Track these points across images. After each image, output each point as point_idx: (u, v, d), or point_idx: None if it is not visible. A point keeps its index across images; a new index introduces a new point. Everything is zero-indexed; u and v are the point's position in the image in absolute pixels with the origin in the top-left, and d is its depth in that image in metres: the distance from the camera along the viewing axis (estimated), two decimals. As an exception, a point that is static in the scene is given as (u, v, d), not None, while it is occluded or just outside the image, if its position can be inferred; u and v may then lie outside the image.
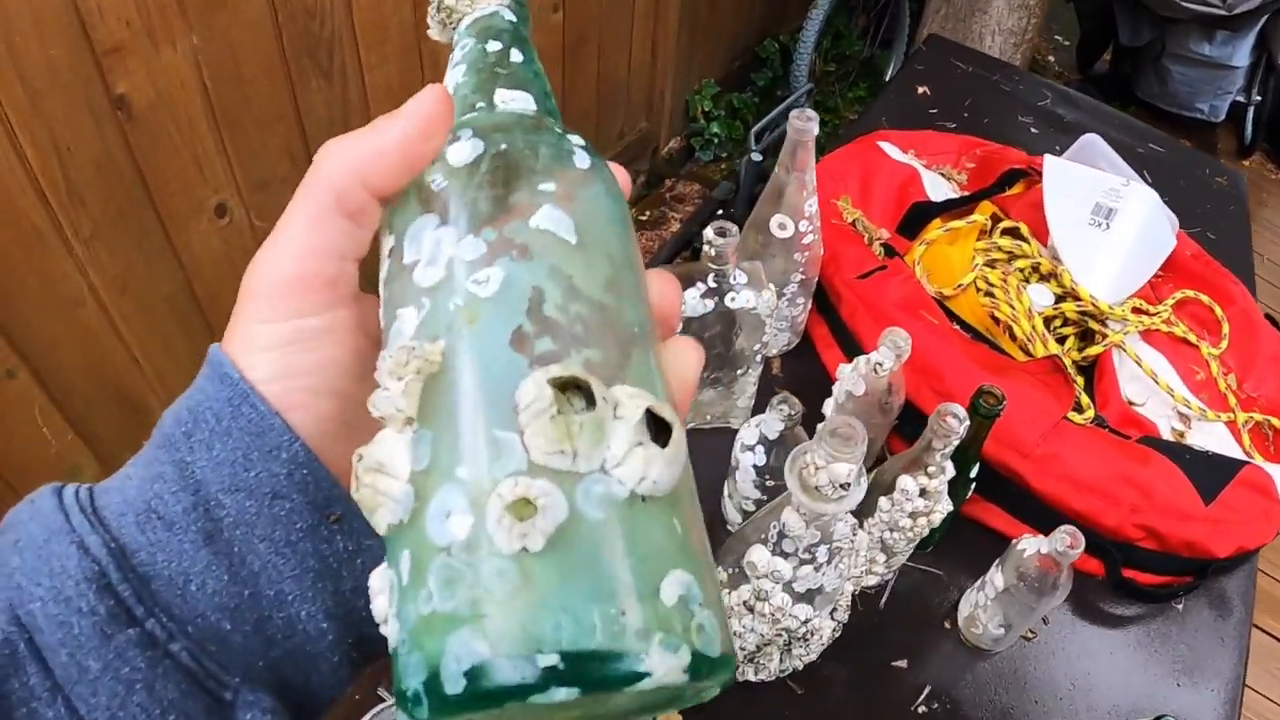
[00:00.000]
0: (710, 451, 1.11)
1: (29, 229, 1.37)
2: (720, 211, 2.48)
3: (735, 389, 1.10)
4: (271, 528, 0.32)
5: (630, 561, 0.26)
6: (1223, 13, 3.11)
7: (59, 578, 0.30)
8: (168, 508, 0.31)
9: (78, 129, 1.36)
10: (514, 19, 0.42)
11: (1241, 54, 3.32)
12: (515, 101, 0.38)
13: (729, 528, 1.09)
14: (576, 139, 0.35)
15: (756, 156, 2.26)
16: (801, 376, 1.27)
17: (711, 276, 0.97)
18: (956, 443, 0.86)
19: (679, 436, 0.29)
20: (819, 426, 0.66)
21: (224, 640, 0.32)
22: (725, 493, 1.07)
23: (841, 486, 0.66)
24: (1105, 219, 1.36)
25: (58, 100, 1.32)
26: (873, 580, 1.05)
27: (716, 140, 3.19)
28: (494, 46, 0.40)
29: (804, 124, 1.01)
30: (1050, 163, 1.42)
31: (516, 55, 0.40)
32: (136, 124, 1.43)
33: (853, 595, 1.02)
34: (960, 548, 1.11)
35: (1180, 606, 1.14)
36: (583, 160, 0.34)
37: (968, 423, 0.86)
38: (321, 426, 0.33)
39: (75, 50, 1.32)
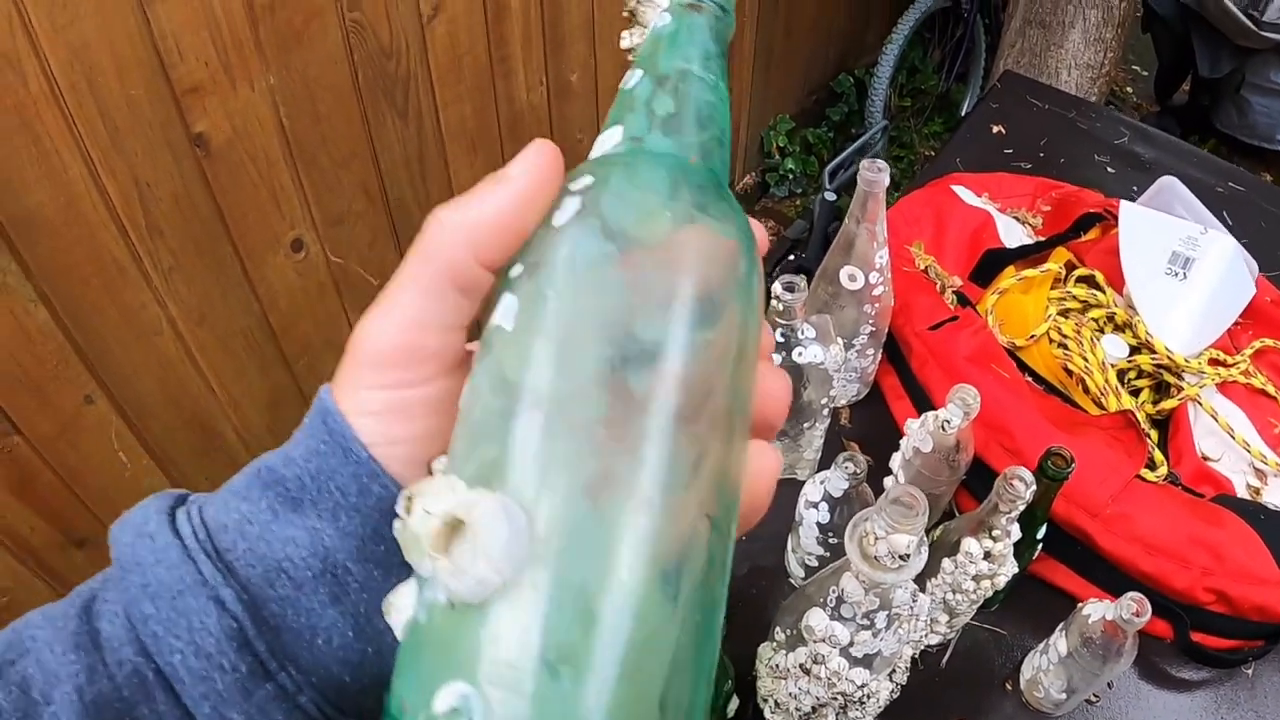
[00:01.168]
0: (776, 503, 1.10)
1: (110, 261, 1.41)
2: (793, 252, 2.47)
3: (802, 441, 1.10)
4: None
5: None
6: (1305, 42, 3.05)
7: (199, 634, 0.31)
8: (298, 570, 0.32)
9: (157, 165, 1.40)
10: (704, 33, 0.38)
11: (1326, 85, 3.24)
12: (668, 139, 0.35)
13: (792, 581, 1.08)
14: (711, 195, 0.33)
15: (830, 195, 2.25)
16: (870, 427, 1.26)
17: (779, 331, 0.97)
18: (1023, 507, 0.85)
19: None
20: (882, 494, 0.65)
21: (342, 690, 0.33)
22: (789, 546, 1.06)
23: (901, 557, 0.65)
24: (1183, 268, 1.33)
25: (138, 138, 1.36)
26: (934, 639, 1.03)
27: (791, 176, 3.18)
28: (668, 65, 0.37)
29: (874, 175, 1.00)
30: (1127, 210, 1.39)
31: (696, 78, 0.37)
32: (215, 161, 1.47)
33: (913, 655, 1.00)
34: (1025, 607, 1.09)
35: (1250, 671, 1.10)
36: (709, 224, 0.32)
37: (1034, 487, 0.84)
38: None
39: (155, 90, 1.35)
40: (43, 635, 0.33)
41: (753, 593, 1.10)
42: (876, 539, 0.65)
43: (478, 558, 0.25)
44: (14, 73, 1.20)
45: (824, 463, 1.15)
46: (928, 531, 1.11)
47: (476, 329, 0.35)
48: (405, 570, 0.32)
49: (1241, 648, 1.09)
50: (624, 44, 0.39)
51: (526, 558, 0.25)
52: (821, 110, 3.41)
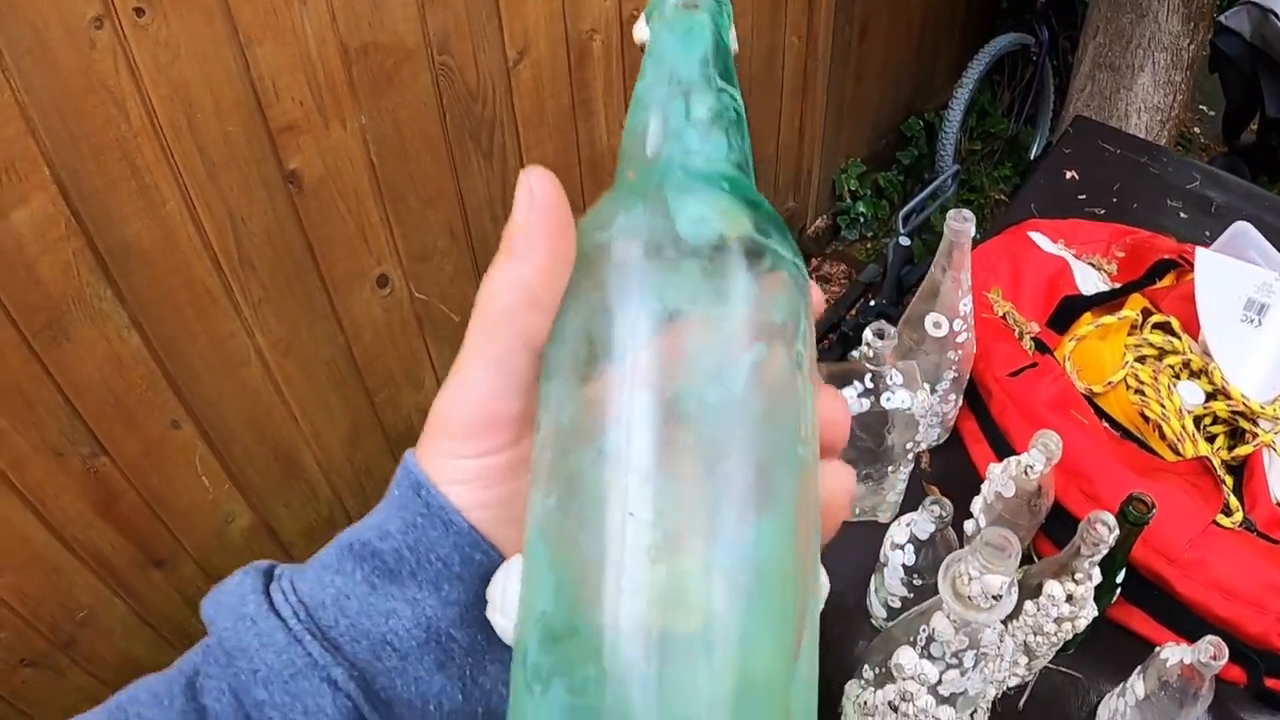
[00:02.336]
0: (858, 545, 1.13)
1: (202, 291, 1.46)
2: (866, 297, 2.48)
3: (885, 485, 1.12)
4: (501, 651, 0.34)
5: None
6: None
7: (315, 716, 0.32)
8: (403, 642, 0.32)
9: (251, 200, 1.45)
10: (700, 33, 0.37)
11: (1392, 125, 3.20)
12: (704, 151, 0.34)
13: (874, 622, 1.10)
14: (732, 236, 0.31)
15: (904, 240, 2.26)
16: (949, 471, 1.28)
17: (869, 377, 0.99)
18: (1105, 551, 0.86)
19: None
20: (974, 534, 0.67)
21: None
22: (871, 587, 1.08)
23: (994, 597, 0.67)
24: (1258, 315, 1.33)
25: (234, 174, 1.41)
26: (1014, 681, 1.04)
27: (863, 219, 3.20)
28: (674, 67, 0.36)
29: (960, 225, 1.03)
30: (1202, 256, 1.40)
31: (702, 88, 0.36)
32: (306, 197, 1.51)
33: (1001, 688, 1.02)
34: (1102, 651, 1.09)
35: None
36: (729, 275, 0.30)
37: (1117, 531, 0.85)
38: (511, 553, 0.34)
39: (251, 128, 1.41)
40: (149, 715, 0.33)
41: (836, 632, 1.11)
42: (970, 579, 0.67)
43: None
44: (116, 108, 1.25)
45: (906, 506, 1.17)
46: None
47: None
48: None
49: None
50: (637, 36, 0.39)
51: None
52: (892, 154, 3.43)
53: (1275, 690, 1.08)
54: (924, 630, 0.76)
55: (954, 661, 0.76)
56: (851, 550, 1.14)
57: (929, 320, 1.09)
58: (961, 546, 1.14)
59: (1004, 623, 0.95)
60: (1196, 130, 4.02)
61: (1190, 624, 1.07)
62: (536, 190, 0.32)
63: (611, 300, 0.30)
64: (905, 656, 0.77)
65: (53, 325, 1.30)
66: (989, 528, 0.67)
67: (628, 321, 0.29)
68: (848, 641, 1.10)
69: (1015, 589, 0.69)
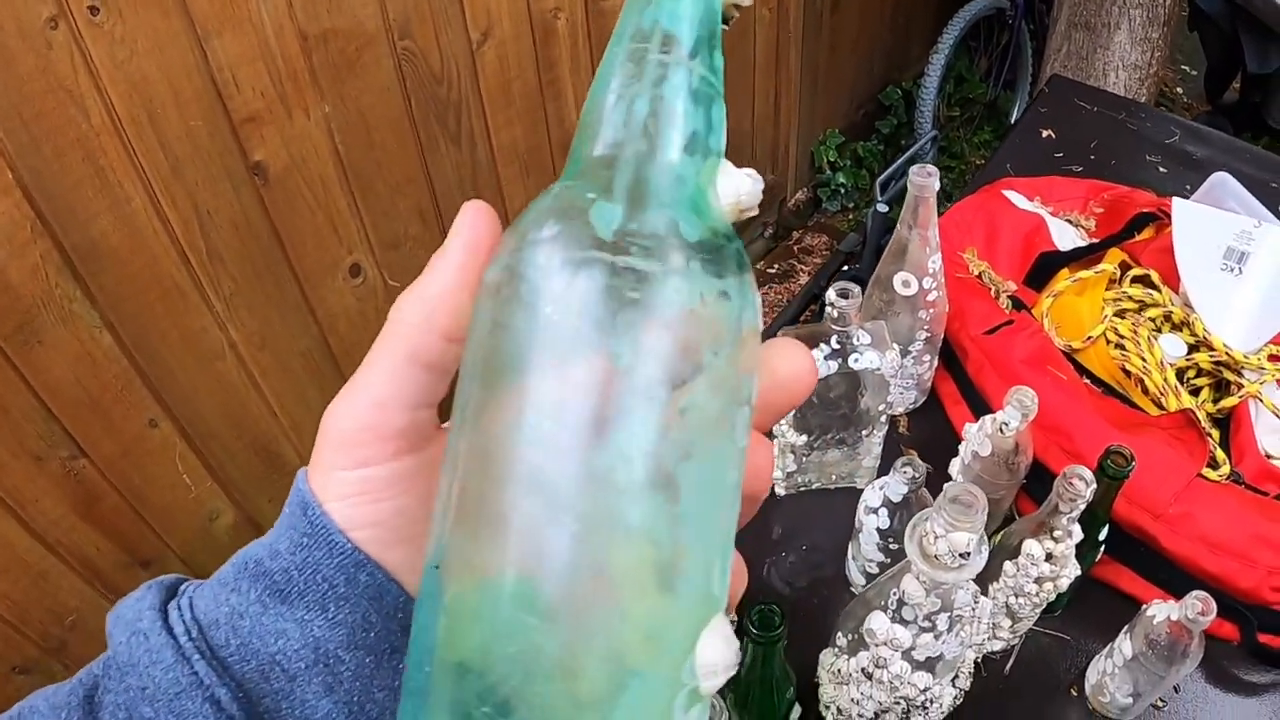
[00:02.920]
0: (835, 511, 1.11)
1: (171, 287, 1.45)
2: (847, 265, 2.47)
3: (860, 449, 1.10)
4: (391, 678, 0.34)
5: None
6: (1355, 33, 2.99)
7: None
8: (291, 664, 0.32)
9: (217, 194, 1.44)
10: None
11: (1376, 76, 3.18)
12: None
13: (852, 590, 1.09)
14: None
15: (882, 208, 2.25)
16: (928, 434, 1.26)
17: (835, 338, 0.98)
18: (1083, 506, 0.85)
19: None
20: (941, 493, 0.66)
21: None
22: (849, 554, 1.07)
23: (961, 555, 0.66)
24: (1238, 263, 1.31)
25: (198, 168, 1.40)
26: (998, 645, 1.03)
27: (843, 190, 3.18)
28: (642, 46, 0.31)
29: (924, 180, 1.01)
30: (1179, 206, 1.38)
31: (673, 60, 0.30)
32: (272, 188, 1.50)
33: (976, 661, 1.00)
34: (1089, 611, 1.08)
35: None
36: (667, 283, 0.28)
37: (1094, 485, 0.84)
38: (409, 572, 0.34)
39: (213, 121, 1.39)
40: None
41: (814, 603, 1.10)
42: (936, 538, 0.65)
43: None
44: (76, 107, 1.24)
45: (883, 469, 1.15)
46: (989, 536, 1.11)
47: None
48: (394, 655, 0.33)
49: None
50: None
51: None
52: (870, 123, 3.41)
53: (1269, 645, 1.06)
54: (895, 594, 0.74)
55: (927, 625, 0.74)
56: (829, 517, 1.13)
57: (897, 279, 1.07)
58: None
59: (984, 585, 0.94)
60: (1179, 90, 3.99)
61: (1179, 580, 1.05)
62: (468, 222, 0.32)
63: (513, 334, 0.28)
64: (877, 621, 0.75)
65: (24, 329, 1.30)
66: (953, 483, 0.65)
67: (529, 357, 0.27)
68: (827, 612, 1.08)
69: (985, 546, 0.68)
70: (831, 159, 3.14)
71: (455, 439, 0.29)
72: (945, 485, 1.08)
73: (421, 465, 0.34)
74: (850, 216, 3.22)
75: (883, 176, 2.26)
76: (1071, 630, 1.08)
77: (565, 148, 1.99)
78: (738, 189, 0.31)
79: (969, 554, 0.66)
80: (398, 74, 1.59)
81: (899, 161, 2.28)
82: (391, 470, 0.33)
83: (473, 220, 0.32)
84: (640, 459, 0.26)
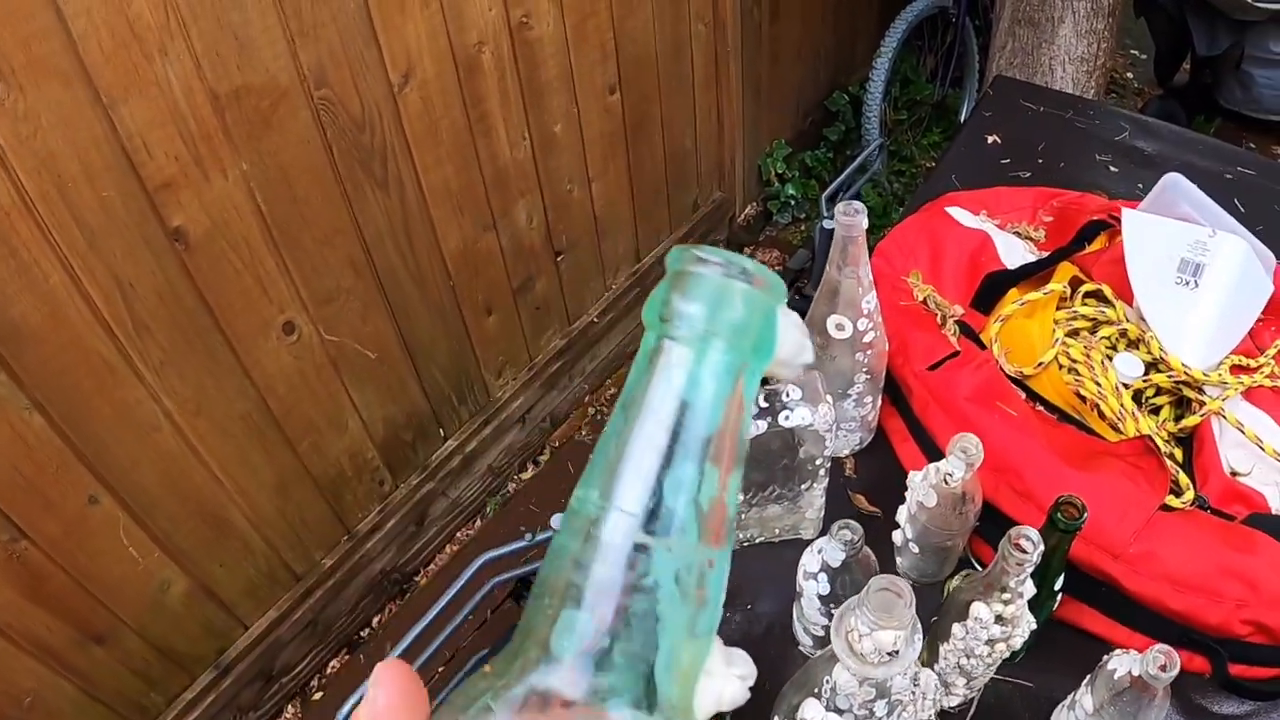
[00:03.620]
0: (781, 566, 1.05)
1: (99, 362, 1.41)
2: (798, 282, 2.43)
3: (802, 502, 1.05)
4: None
5: None
6: (1301, 7, 2.98)
7: None
8: None
9: (137, 264, 1.40)
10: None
11: (1325, 50, 3.17)
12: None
13: (800, 648, 1.04)
14: None
15: (829, 223, 2.20)
16: (877, 475, 1.21)
17: (762, 396, 0.93)
18: (1031, 568, 0.80)
19: None
20: (902, 545, 0.61)
21: None
22: (794, 614, 1.02)
23: (889, 654, 0.61)
24: (1193, 276, 1.27)
25: (115, 239, 1.36)
26: (955, 701, 0.98)
27: (794, 202, 3.14)
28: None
29: (851, 219, 0.95)
30: (1129, 218, 1.33)
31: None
32: (195, 253, 1.46)
33: (933, 716, 0.95)
34: (1053, 655, 1.03)
35: None
36: None
37: (1041, 548, 0.79)
38: None
39: (127, 190, 1.35)
40: None
41: (763, 665, 1.04)
42: (861, 636, 0.61)
43: None
44: (-18, 189, 1.20)
45: (830, 517, 1.11)
46: (941, 584, 1.06)
47: None
48: None
49: None
50: None
51: None
52: (818, 131, 3.37)
53: (1242, 678, 1.02)
54: (827, 681, 0.69)
55: (863, 713, 0.70)
56: (775, 573, 1.08)
57: (830, 323, 1.02)
58: (892, 560, 1.08)
59: (933, 646, 0.89)
60: (1130, 75, 3.97)
61: (1143, 618, 1.02)
62: (381, 693, 0.30)
63: None
64: (811, 711, 0.71)
65: (-48, 418, 1.27)
66: (877, 577, 0.61)
67: None
68: (777, 671, 1.03)
69: (918, 635, 0.63)
70: (779, 171, 3.09)
71: None
72: (896, 542, 1.05)
73: None
74: (802, 228, 3.18)
75: (829, 190, 2.22)
76: (1035, 677, 1.03)
77: (500, 183, 1.97)
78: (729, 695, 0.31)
79: (897, 650, 0.61)
80: (317, 125, 1.55)
81: (845, 173, 2.25)
82: None
83: (387, 687, 0.31)
84: None
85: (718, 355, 0.29)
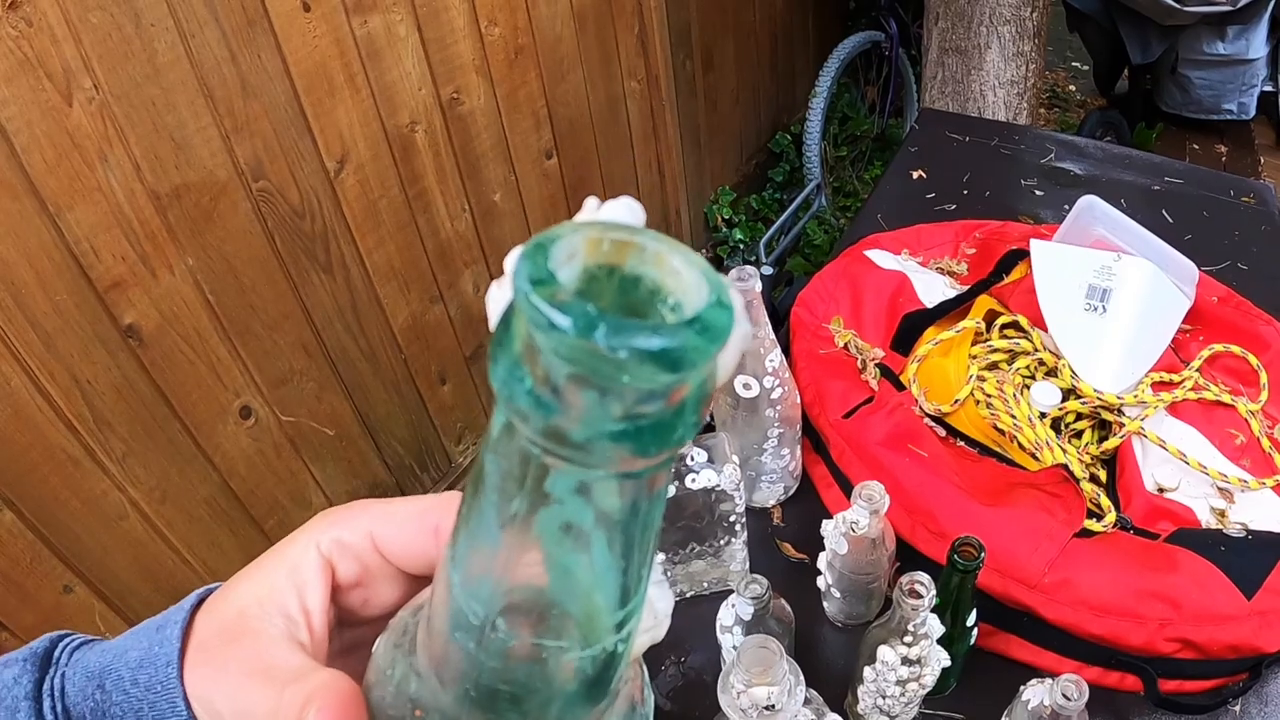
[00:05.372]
0: (712, 617, 1.09)
1: (64, 458, 1.44)
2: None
3: (724, 555, 1.09)
4: None
5: None
6: (1228, 8, 3.03)
7: None
8: None
9: (93, 362, 1.44)
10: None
11: (1257, 45, 3.22)
12: None
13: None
14: None
15: (767, 270, 2.25)
16: (804, 521, 1.24)
17: (668, 460, 0.97)
18: (927, 613, 0.85)
19: None
20: (825, 591, 0.65)
21: None
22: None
23: (766, 708, 0.66)
24: (1101, 301, 1.30)
25: (71, 340, 1.40)
26: (883, 738, 1.02)
27: (743, 245, 3.18)
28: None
29: (745, 284, 0.99)
30: (1037, 249, 1.37)
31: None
32: (149, 347, 1.50)
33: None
34: (982, 684, 1.05)
35: (1237, 708, 1.05)
36: None
37: (933, 593, 0.84)
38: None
39: (78, 292, 1.39)
40: None
41: (696, 716, 1.07)
42: (739, 693, 0.66)
43: None
44: (-65, 301, 1.24)
45: (757, 565, 1.15)
46: (867, 624, 1.10)
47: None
48: None
49: (1222, 686, 1.05)
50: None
51: None
52: (763, 173, 3.42)
53: (1175, 693, 1.04)
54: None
55: (770, 766, 0.74)
56: (708, 621, 1.10)
57: (738, 383, 1.07)
58: (820, 603, 1.12)
59: (851, 687, 0.93)
60: (1072, 88, 4.04)
61: (1070, 643, 1.04)
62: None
63: None
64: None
65: (-77, 521, 1.28)
66: (748, 637, 0.65)
67: None
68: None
69: (800, 688, 0.68)
70: (726, 216, 3.14)
71: None
72: (820, 588, 1.09)
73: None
74: (751, 273, 3.21)
75: (766, 237, 2.26)
76: (965, 707, 1.06)
77: (443, 255, 2.02)
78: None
79: (774, 705, 0.65)
80: (258, 216, 1.60)
81: (782, 219, 2.29)
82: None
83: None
84: None
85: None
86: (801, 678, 0.68)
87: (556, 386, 0.20)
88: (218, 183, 1.52)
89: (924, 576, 0.84)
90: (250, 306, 1.63)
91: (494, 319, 0.23)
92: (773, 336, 1.07)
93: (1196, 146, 3.51)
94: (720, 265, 3.24)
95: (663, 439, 0.21)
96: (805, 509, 1.25)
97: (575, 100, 2.30)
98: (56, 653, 0.38)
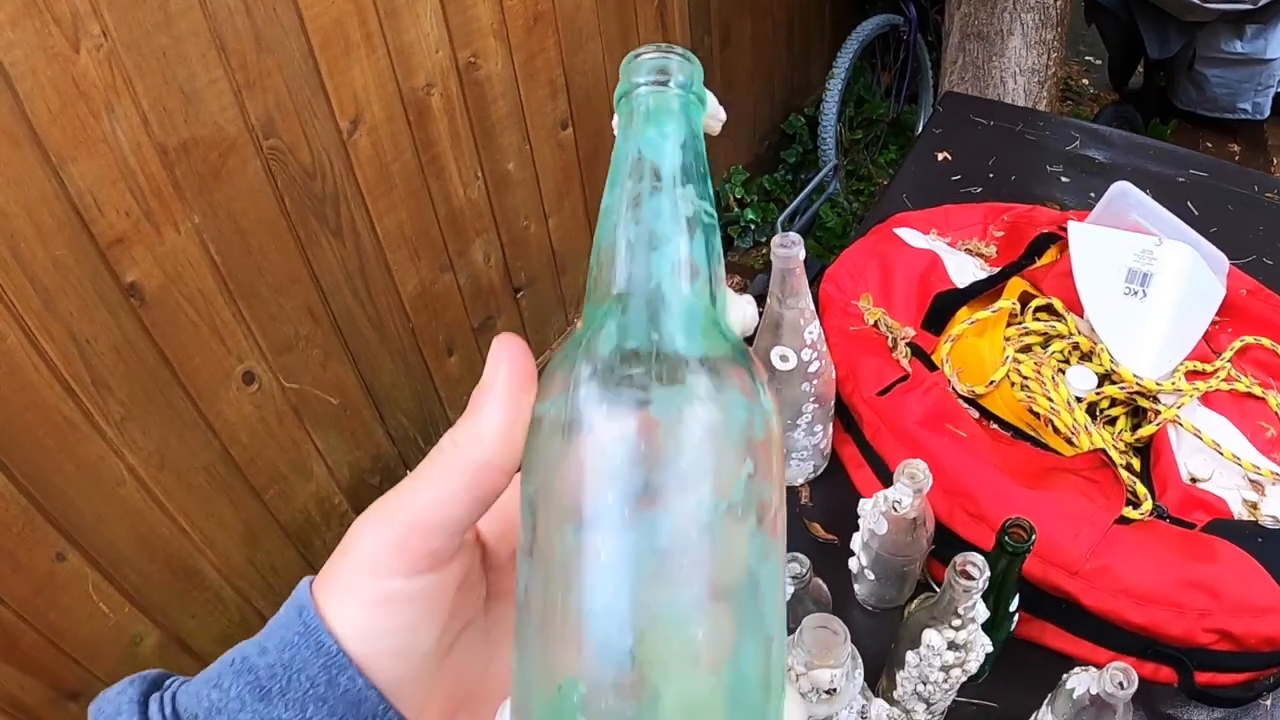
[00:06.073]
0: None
1: (60, 420, 1.40)
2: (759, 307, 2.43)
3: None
4: None
5: None
6: (1248, 6, 3.00)
7: None
8: None
9: (93, 321, 1.39)
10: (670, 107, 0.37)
11: (1275, 45, 3.18)
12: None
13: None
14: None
15: (783, 249, 2.21)
16: (832, 502, 1.21)
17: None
18: (979, 594, 0.81)
19: None
20: (858, 573, 0.61)
21: None
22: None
23: (826, 691, 0.61)
24: (1141, 285, 1.27)
25: (70, 297, 1.35)
26: (918, 726, 0.98)
27: (754, 226, 3.15)
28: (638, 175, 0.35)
29: (788, 251, 0.95)
30: (1075, 230, 1.34)
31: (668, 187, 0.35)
32: (150, 308, 1.45)
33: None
34: (1015, 673, 1.03)
35: (1269, 703, 1.04)
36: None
37: (987, 573, 0.80)
38: (397, 685, 0.34)
39: (79, 247, 1.35)
40: None
41: None
42: (798, 675, 0.61)
43: None
44: (-65, 253, 1.20)
45: (787, 546, 1.11)
46: (901, 608, 1.07)
47: None
48: None
49: (1255, 680, 1.03)
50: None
51: None
52: (776, 155, 3.38)
53: (1210, 685, 1.02)
54: None
55: (817, 751, 0.70)
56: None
57: (774, 355, 1.02)
58: (851, 585, 1.08)
59: (890, 673, 0.89)
60: (1085, 81, 4.01)
61: (1107, 633, 1.02)
62: (504, 358, 0.35)
63: (568, 471, 0.30)
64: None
65: (-85, 484, 1.25)
66: (811, 615, 0.61)
67: (584, 496, 0.29)
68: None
69: (858, 670, 0.64)
70: (738, 196, 3.11)
71: (527, 572, 0.30)
72: (852, 569, 1.05)
73: (436, 583, 0.34)
74: (763, 252, 3.19)
75: (784, 215, 2.22)
76: (999, 696, 1.03)
77: (455, 223, 1.97)
78: (744, 314, 0.34)
79: (835, 689, 0.61)
80: (267, 174, 1.55)
81: (800, 197, 2.25)
82: (408, 586, 0.34)
83: (510, 355, 0.35)
84: (695, 583, 0.28)
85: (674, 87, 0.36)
86: (860, 660, 0.63)
87: (641, 70, 0.36)
88: (227, 139, 1.47)
89: (977, 557, 0.80)
90: (257, 268, 1.59)
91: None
92: (813, 308, 1.02)
93: (1210, 145, 3.47)
94: (731, 245, 3.21)
95: (664, 80, 0.36)
96: (834, 489, 1.22)
97: (593, 71, 2.25)
98: (167, 681, 0.36)
